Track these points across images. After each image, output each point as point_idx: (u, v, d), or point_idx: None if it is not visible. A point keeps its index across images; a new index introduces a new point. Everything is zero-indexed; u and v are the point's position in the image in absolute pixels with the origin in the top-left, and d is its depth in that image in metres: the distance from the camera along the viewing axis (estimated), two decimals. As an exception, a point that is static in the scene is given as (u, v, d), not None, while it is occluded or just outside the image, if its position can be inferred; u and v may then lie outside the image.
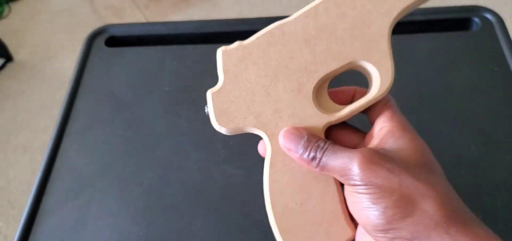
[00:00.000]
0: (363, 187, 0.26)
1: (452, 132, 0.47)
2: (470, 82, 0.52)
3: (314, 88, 0.32)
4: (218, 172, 0.46)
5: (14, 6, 2.06)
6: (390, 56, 0.31)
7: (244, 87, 0.33)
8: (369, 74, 0.32)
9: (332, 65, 0.32)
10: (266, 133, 0.32)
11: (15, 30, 1.94)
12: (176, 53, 0.58)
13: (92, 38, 0.61)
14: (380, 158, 0.26)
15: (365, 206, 0.26)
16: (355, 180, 0.26)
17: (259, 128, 0.32)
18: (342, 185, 0.30)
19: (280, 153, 0.32)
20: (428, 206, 0.25)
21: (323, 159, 0.28)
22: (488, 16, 0.57)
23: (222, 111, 0.33)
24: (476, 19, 0.57)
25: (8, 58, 1.78)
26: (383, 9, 0.31)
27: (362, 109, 0.32)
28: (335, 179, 0.30)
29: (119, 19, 1.95)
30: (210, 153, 0.48)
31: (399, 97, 0.51)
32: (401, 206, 0.25)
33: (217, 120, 0.33)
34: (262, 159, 0.46)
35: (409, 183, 0.25)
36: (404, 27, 0.58)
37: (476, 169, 0.44)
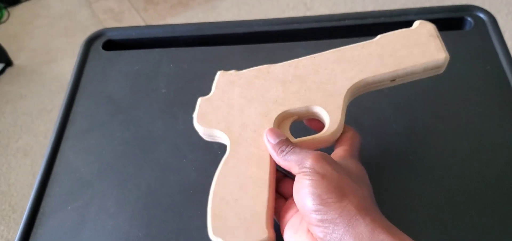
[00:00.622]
0: (309, 174, 0.33)
1: (445, 130, 0.48)
2: (463, 80, 0.52)
3: (277, 116, 0.40)
4: (215, 173, 0.47)
5: (12, 10, 2.07)
6: (342, 111, 0.39)
7: (226, 102, 0.42)
8: (323, 119, 0.40)
9: (296, 104, 0.40)
10: (230, 138, 0.40)
11: (14, 35, 1.95)
12: (173, 56, 0.59)
13: (90, 42, 0.62)
14: (330, 159, 0.34)
15: (307, 191, 0.32)
16: (306, 168, 0.33)
17: (226, 133, 0.40)
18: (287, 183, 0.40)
19: (235, 157, 0.39)
20: (354, 199, 0.32)
21: (288, 153, 0.36)
22: (481, 15, 0.58)
23: (203, 114, 0.42)
24: (469, 19, 0.58)
25: (8, 62, 1.79)
26: (348, 75, 0.40)
27: (310, 143, 0.39)
28: (269, 191, 0.37)
29: (118, 23, 1.96)
30: (207, 154, 0.49)
31: (393, 96, 0.51)
32: (334, 193, 0.32)
33: (197, 120, 0.42)
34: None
35: (344, 180, 0.33)
36: (398, 27, 0.59)
37: (469, 166, 0.45)
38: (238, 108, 0.42)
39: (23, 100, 1.67)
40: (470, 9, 0.59)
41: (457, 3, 0.60)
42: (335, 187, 0.32)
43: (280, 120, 0.41)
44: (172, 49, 0.60)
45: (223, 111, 0.42)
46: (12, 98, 1.68)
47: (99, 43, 0.62)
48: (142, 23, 1.94)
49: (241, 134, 0.40)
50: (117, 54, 0.60)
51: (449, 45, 0.56)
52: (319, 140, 0.39)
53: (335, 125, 0.39)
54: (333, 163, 0.34)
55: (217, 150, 0.49)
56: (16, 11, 2.07)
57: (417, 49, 0.40)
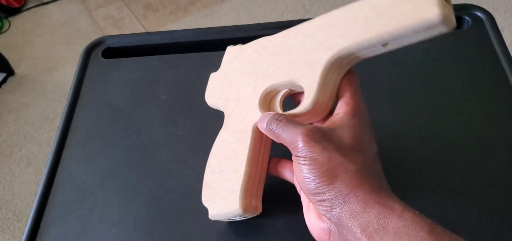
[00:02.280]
0: (303, 159, 0.34)
1: (446, 129, 0.48)
2: (462, 79, 0.52)
3: (264, 91, 0.40)
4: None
5: (13, 20, 2.08)
6: (318, 85, 0.36)
7: (227, 77, 0.44)
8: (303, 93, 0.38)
9: (280, 78, 0.39)
10: (225, 113, 0.42)
11: (16, 44, 1.96)
12: (172, 62, 0.59)
13: (89, 51, 0.62)
14: (319, 137, 0.34)
15: (304, 175, 0.33)
16: (299, 152, 0.34)
17: (223, 109, 0.43)
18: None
19: (226, 131, 0.42)
20: (346, 177, 0.32)
21: (277, 130, 0.36)
22: (479, 14, 0.58)
23: (210, 90, 0.45)
24: (467, 18, 0.58)
25: (10, 72, 1.80)
26: (329, 44, 0.36)
27: (290, 115, 0.38)
28: (250, 166, 0.39)
29: (118, 30, 1.96)
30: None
31: (393, 97, 0.52)
32: (325, 176, 0.32)
33: (206, 96, 0.46)
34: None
35: (336, 159, 0.33)
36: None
37: (470, 165, 0.45)
38: (235, 83, 0.43)
39: (25, 109, 1.68)
40: (468, 8, 0.59)
41: (454, 3, 0.60)
42: (326, 170, 0.32)
43: (271, 96, 0.41)
44: (171, 56, 0.60)
45: (224, 86, 0.43)
46: (14, 107, 1.69)
47: (98, 51, 0.62)
48: (142, 30, 1.94)
49: (233, 109, 0.42)
50: (117, 61, 0.60)
51: (447, 44, 0.56)
52: (296, 116, 0.37)
53: (309, 100, 0.36)
54: (324, 140, 0.34)
55: (218, 155, 0.49)
56: (17, 21, 2.08)
57: (406, 6, 0.31)
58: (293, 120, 0.36)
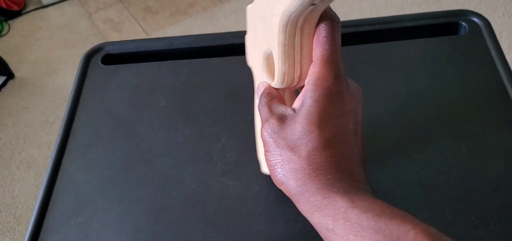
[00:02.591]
0: (264, 150, 0.34)
1: (444, 135, 0.48)
2: (459, 85, 0.53)
3: (262, 56, 0.38)
4: (216, 184, 0.48)
5: (13, 23, 2.09)
6: (278, 55, 0.34)
7: (247, 39, 0.43)
8: None
9: (264, 45, 0.36)
10: (253, 74, 0.43)
11: (16, 47, 1.96)
12: (171, 68, 0.60)
13: (88, 57, 0.63)
14: (276, 135, 0.33)
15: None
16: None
17: (252, 70, 0.42)
18: None
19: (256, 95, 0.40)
20: (292, 178, 0.31)
21: (260, 107, 0.36)
22: (476, 20, 0.58)
23: (246, 52, 0.44)
24: (464, 23, 0.58)
25: (10, 75, 1.80)
26: (275, 5, 0.32)
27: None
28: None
29: (117, 32, 1.97)
30: (207, 166, 0.49)
31: (390, 103, 0.52)
32: (276, 177, 0.32)
33: (246, 58, 0.44)
34: (257, 171, 0.48)
35: (284, 156, 0.32)
36: (394, 34, 0.60)
37: (467, 171, 0.45)
38: (249, 46, 0.43)
39: (25, 112, 1.68)
40: (464, 14, 0.59)
41: (452, 8, 0.60)
42: (275, 170, 0.32)
43: (271, 59, 0.37)
44: (170, 62, 0.60)
45: (248, 48, 0.43)
46: (14, 110, 1.69)
47: (98, 58, 0.62)
48: (141, 33, 1.95)
49: (253, 72, 0.42)
50: (116, 68, 0.61)
51: (445, 50, 0.56)
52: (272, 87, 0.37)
53: (276, 76, 0.35)
54: (280, 137, 0.32)
55: (217, 162, 0.50)
56: (17, 24, 2.09)
57: None
58: (272, 103, 0.35)
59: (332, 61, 0.31)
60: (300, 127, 0.31)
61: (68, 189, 0.50)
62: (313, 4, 0.30)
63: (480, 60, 0.55)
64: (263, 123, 0.34)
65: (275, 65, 0.35)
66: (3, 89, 1.77)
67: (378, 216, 0.27)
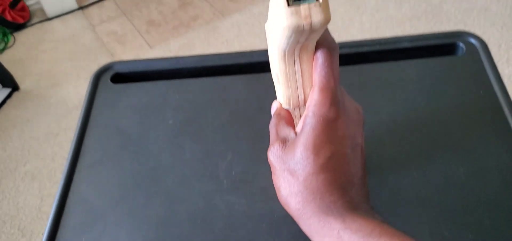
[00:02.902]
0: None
1: (441, 155, 0.50)
2: (457, 105, 0.54)
3: (273, 77, 0.39)
4: (222, 202, 0.49)
5: (18, 36, 2.12)
6: (279, 81, 0.37)
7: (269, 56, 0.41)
8: None
9: (273, 68, 0.38)
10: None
11: (21, 60, 1.99)
12: (179, 87, 0.62)
13: (98, 75, 0.65)
14: (279, 159, 0.36)
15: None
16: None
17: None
18: None
19: None
20: (293, 202, 0.34)
21: (270, 126, 0.39)
22: (473, 41, 0.60)
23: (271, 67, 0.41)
24: (462, 44, 0.60)
25: (14, 87, 1.82)
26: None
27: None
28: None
29: (121, 45, 1.99)
30: (214, 184, 0.51)
31: (389, 123, 0.54)
32: (280, 199, 0.36)
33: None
34: (263, 188, 0.50)
35: (285, 182, 0.35)
36: (392, 54, 0.62)
37: (464, 190, 0.47)
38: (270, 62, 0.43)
39: (30, 124, 1.70)
40: (462, 35, 0.61)
41: (450, 29, 0.62)
42: (279, 192, 0.36)
43: None
44: (178, 81, 0.62)
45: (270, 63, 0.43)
46: (19, 122, 1.71)
47: (107, 76, 0.64)
48: (145, 45, 1.97)
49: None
50: (125, 87, 0.63)
51: (442, 71, 0.58)
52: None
53: (283, 96, 0.38)
54: (282, 162, 0.35)
55: (223, 179, 0.52)
56: (22, 36, 2.12)
57: (275, 22, 0.33)
58: (279, 125, 0.38)
59: (328, 88, 0.33)
60: (299, 152, 0.34)
61: (79, 205, 0.51)
62: (299, 43, 0.33)
63: (477, 80, 0.56)
64: (270, 145, 0.37)
65: (281, 89, 0.37)
66: (8, 101, 1.79)
67: (368, 235, 0.30)
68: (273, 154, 0.36)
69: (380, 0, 1.99)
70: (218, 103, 0.59)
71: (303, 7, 0.31)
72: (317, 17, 0.31)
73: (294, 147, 0.34)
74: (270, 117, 0.57)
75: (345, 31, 1.87)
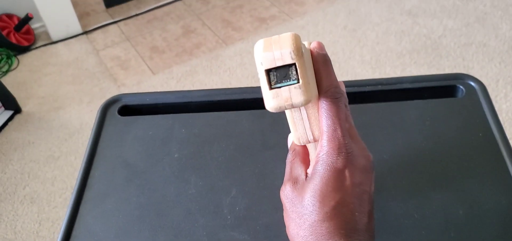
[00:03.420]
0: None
1: (441, 196, 0.51)
2: (456, 147, 0.56)
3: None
4: (225, 238, 0.50)
5: (22, 58, 2.14)
6: (290, 123, 0.38)
7: None
8: None
9: None
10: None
11: (24, 82, 2.01)
12: (185, 121, 0.63)
13: (106, 108, 0.66)
14: (289, 200, 0.37)
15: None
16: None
17: None
18: None
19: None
20: (296, 238, 0.36)
21: (286, 162, 0.39)
22: (472, 83, 0.62)
23: None
24: (461, 87, 0.62)
25: (17, 110, 1.84)
26: None
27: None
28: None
29: (124, 70, 2.02)
30: (218, 219, 0.52)
31: (390, 162, 0.55)
32: (287, 230, 0.37)
33: None
34: (266, 225, 0.50)
35: (292, 223, 0.36)
36: (394, 95, 0.63)
37: (464, 233, 0.48)
38: None
39: (31, 147, 1.70)
40: (462, 78, 0.63)
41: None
42: (290, 227, 0.37)
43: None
44: (184, 115, 0.64)
45: None
46: (20, 145, 1.72)
47: (115, 109, 0.66)
48: (148, 71, 2.00)
49: None
50: (133, 119, 0.64)
51: (443, 112, 0.60)
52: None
53: (294, 136, 0.39)
54: (293, 204, 0.36)
55: (227, 215, 0.52)
56: (26, 59, 2.14)
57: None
58: (294, 162, 0.38)
59: (335, 139, 0.34)
60: (306, 198, 0.35)
61: (85, 237, 0.52)
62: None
63: (476, 122, 0.58)
64: (283, 183, 0.38)
65: (291, 129, 0.38)
66: (10, 123, 1.80)
67: None
68: (284, 194, 0.37)
69: (380, 33, 2.03)
70: (223, 138, 0.61)
71: (284, 90, 0.33)
72: (297, 98, 0.33)
73: (303, 192, 0.36)
74: (275, 153, 0.58)
75: (346, 63, 1.90)
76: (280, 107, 0.33)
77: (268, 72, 0.33)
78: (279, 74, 0.33)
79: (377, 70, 1.85)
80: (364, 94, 0.63)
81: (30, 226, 1.44)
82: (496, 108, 1.57)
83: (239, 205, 0.53)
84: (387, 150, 0.56)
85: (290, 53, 0.32)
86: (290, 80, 0.33)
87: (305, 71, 0.33)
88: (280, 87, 0.33)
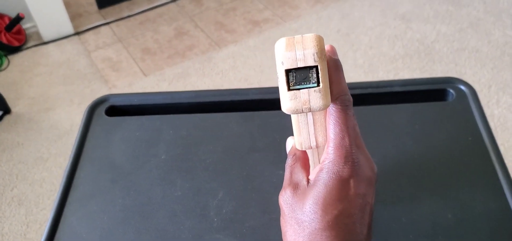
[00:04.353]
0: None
1: (430, 200, 0.51)
2: (446, 151, 0.55)
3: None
4: (211, 240, 0.49)
5: (13, 58, 2.12)
6: (294, 128, 0.36)
7: None
8: None
9: None
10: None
11: (14, 83, 1.99)
12: (173, 122, 0.62)
13: (93, 108, 0.65)
14: (289, 206, 0.35)
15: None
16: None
17: None
18: None
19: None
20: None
21: (285, 166, 0.38)
22: (462, 87, 0.62)
23: None
24: (451, 90, 0.62)
25: (6, 110, 1.82)
26: None
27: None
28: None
29: (115, 72, 2.00)
30: (204, 222, 0.51)
31: (379, 166, 0.54)
32: (284, 235, 0.36)
33: None
34: (253, 228, 0.50)
35: (291, 229, 0.35)
36: (385, 98, 0.63)
37: (452, 237, 0.47)
38: None
39: (19, 148, 1.68)
40: (452, 82, 0.63)
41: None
42: (287, 233, 0.35)
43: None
44: (172, 116, 0.63)
45: None
46: (8, 146, 1.70)
47: (102, 109, 0.65)
48: (139, 73, 1.98)
49: None
50: (120, 120, 0.63)
51: (432, 115, 0.59)
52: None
53: (296, 140, 0.37)
54: (293, 210, 0.35)
55: (213, 217, 0.52)
56: (17, 59, 2.12)
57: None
58: (294, 167, 0.37)
59: (342, 147, 0.33)
60: (308, 205, 0.34)
61: (68, 238, 0.51)
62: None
63: (465, 126, 0.58)
64: (282, 187, 0.37)
65: (293, 132, 0.37)
66: (-1, 124, 1.78)
67: None
68: (284, 199, 0.36)
69: (374, 38, 2.04)
70: (211, 140, 0.60)
71: (303, 92, 0.32)
72: (316, 102, 0.31)
73: (304, 198, 0.34)
74: (263, 156, 0.57)
75: (338, 66, 1.90)
76: (297, 110, 0.32)
77: (287, 72, 0.32)
78: (298, 76, 0.32)
79: (369, 74, 1.86)
80: (354, 97, 0.63)
81: (17, 228, 1.42)
82: (488, 114, 1.58)
83: (226, 208, 0.52)
84: (376, 152, 0.56)
85: (314, 54, 0.31)
86: (309, 83, 0.31)
87: (326, 75, 0.32)
88: (299, 89, 0.32)
